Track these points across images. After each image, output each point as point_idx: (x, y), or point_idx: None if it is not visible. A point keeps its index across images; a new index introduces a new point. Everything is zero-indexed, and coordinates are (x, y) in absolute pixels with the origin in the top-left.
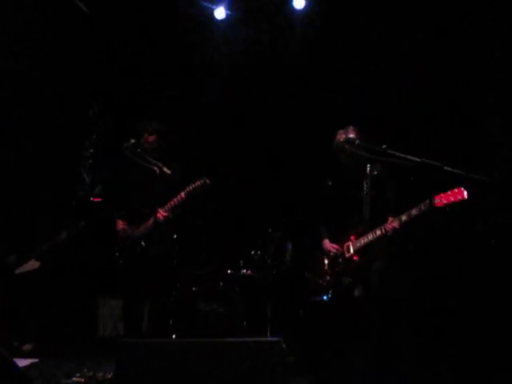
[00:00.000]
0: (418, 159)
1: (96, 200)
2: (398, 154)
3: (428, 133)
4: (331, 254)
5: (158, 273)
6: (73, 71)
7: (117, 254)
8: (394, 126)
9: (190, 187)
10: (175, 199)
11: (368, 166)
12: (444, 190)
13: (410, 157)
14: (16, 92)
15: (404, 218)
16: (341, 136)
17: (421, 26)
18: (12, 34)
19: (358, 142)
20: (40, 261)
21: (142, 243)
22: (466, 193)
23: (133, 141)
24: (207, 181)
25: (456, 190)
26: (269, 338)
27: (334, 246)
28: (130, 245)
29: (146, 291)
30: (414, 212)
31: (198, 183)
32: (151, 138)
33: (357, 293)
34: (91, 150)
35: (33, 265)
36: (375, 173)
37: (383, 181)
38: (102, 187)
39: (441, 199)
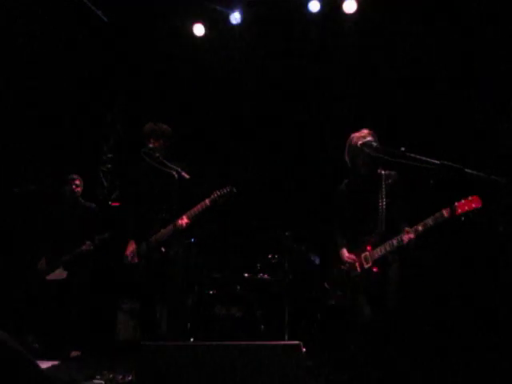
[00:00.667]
0: (437, 161)
1: (114, 204)
2: (417, 156)
3: (442, 138)
4: (350, 264)
5: (176, 277)
6: (91, 77)
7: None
8: (406, 130)
9: (216, 195)
10: (199, 206)
11: (383, 173)
12: (458, 199)
13: (429, 159)
14: (35, 98)
15: (420, 228)
16: (358, 139)
17: (439, 28)
18: (32, 40)
19: (376, 144)
20: (67, 270)
21: (162, 249)
22: (481, 201)
23: (151, 145)
24: (234, 189)
25: (471, 199)
26: (288, 342)
27: (352, 256)
28: (149, 251)
29: (163, 295)
30: (429, 222)
31: (224, 191)
32: (159, 142)
33: (368, 311)
34: (109, 155)
35: (60, 274)
36: (390, 181)
37: (398, 189)
38: (120, 192)
39: (456, 208)
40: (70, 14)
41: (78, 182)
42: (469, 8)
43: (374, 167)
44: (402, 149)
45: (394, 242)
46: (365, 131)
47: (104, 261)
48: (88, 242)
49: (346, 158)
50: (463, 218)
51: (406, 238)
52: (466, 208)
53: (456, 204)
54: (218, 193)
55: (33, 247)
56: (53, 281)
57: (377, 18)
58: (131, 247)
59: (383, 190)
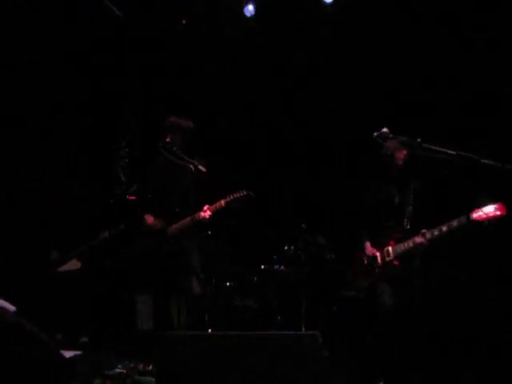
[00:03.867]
0: (453, 152)
1: (132, 198)
2: (433, 147)
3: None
4: (372, 257)
5: (188, 268)
6: (106, 72)
7: (147, 251)
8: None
9: (231, 197)
10: (215, 205)
11: (412, 182)
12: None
13: (445, 150)
14: (50, 93)
15: (444, 228)
16: (392, 141)
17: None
18: (46, 37)
19: (391, 135)
20: (81, 261)
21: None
22: (505, 208)
23: (168, 139)
24: (251, 194)
25: (496, 206)
26: (306, 332)
27: (374, 250)
28: (160, 241)
29: (179, 286)
30: (454, 224)
31: (240, 195)
32: (177, 136)
33: (388, 301)
34: (126, 150)
35: (75, 264)
36: (418, 184)
37: (423, 193)
38: (137, 186)
39: (480, 213)
40: (86, 8)
41: None
42: None
43: (408, 163)
44: (418, 139)
45: (418, 239)
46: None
47: (120, 252)
48: (104, 233)
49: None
50: (486, 223)
51: (429, 235)
52: (491, 214)
53: (480, 208)
54: (234, 195)
55: (45, 239)
56: (66, 272)
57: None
58: (151, 219)
59: (413, 192)
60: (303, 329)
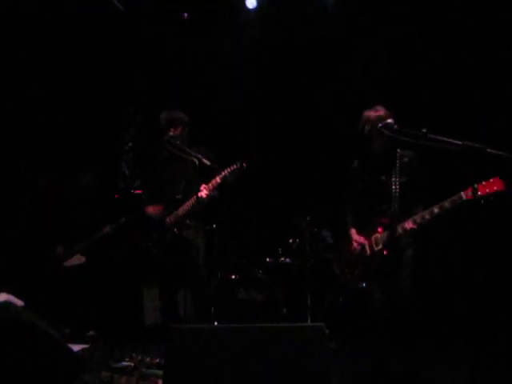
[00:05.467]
0: (459, 142)
1: (136, 192)
2: (439, 137)
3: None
4: (358, 245)
5: (192, 259)
6: (110, 68)
7: (150, 243)
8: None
9: (225, 172)
10: (211, 183)
11: (398, 151)
12: (479, 181)
13: (451, 140)
14: (54, 88)
15: (436, 210)
16: (376, 120)
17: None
18: (52, 34)
19: (396, 126)
20: (85, 255)
21: (175, 230)
22: (503, 183)
23: (171, 134)
24: (244, 164)
25: (492, 181)
26: (312, 324)
27: (361, 238)
28: (163, 233)
29: (182, 279)
30: (446, 204)
31: (233, 168)
32: (179, 129)
33: (379, 296)
34: (130, 144)
35: (79, 259)
36: (406, 159)
37: (414, 168)
38: (141, 180)
39: (475, 190)
40: (88, 4)
41: None
42: None
43: (391, 149)
44: (424, 130)
45: (407, 224)
46: (381, 110)
47: (124, 246)
48: (106, 227)
49: (362, 135)
50: (483, 201)
51: (420, 219)
52: (487, 190)
53: (476, 186)
54: (228, 169)
55: (50, 234)
56: (71, 266)
57: None
58: (152, 208)
59: (397, 168)
60: (309, 321)
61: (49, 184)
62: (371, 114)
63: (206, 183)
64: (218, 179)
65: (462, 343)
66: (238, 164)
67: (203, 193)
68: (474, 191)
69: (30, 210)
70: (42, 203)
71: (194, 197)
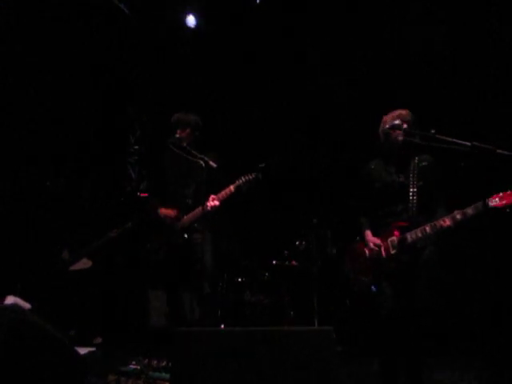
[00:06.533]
0: (468, 143)
1: (143, 195)
2: (448, 138)
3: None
4: (374, 248)
5: (200, 263)
6: (115, 70)
7: (157, 246)
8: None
9: (240, 181)
10: (224, 192)
11: (416, 157)
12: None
13: (460, 141)
14: (59, 91)
15: (459, 216)
16: (386, 122)
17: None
18: (60, 36)
19: (405, 127)
20: (92, 259)
21: (185, 235)
22: None
23: (177, 135)
24: (259, 176)
25: None
26: (319, 327)
27: (377, 240)
28: (172, 236)
29: (190, 282)
30: (469, 211)
31: (248, 178)
32: (186, 132)
33: (390, 302)
34: (136, 147)
35: (85, 263)
36: (424, 163)
37: (432, 172)
38: (148, 182)
39: (500, 199)
40: (94, 6)
41: None
42: None
43: (404, 150)
44: (433, 131)
45: (428, 228)
46: (396, 112)
47: (131, 249)
48: (112, 231)
49: (380, 138)
50: (508, 210)
51: (441, 225)
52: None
53: (500, 194)
54: (243, 179)
55: (56, 238)
56: (77, 271)
57: None
58: (164, 210)
59: (415, 172)
60: (316, 324)
61: (55, 187)
62: (387, 116)
63: (215, 191)
64: (232, 188)
65: (472, 346)
66: (253, 175)
67: (215, 202)
68: (499, 199)
69: (36, 214)
70: (49, 207)
71: (200, 208)
